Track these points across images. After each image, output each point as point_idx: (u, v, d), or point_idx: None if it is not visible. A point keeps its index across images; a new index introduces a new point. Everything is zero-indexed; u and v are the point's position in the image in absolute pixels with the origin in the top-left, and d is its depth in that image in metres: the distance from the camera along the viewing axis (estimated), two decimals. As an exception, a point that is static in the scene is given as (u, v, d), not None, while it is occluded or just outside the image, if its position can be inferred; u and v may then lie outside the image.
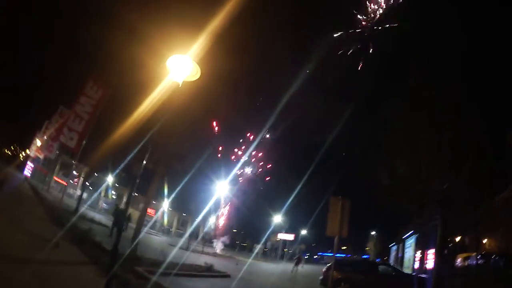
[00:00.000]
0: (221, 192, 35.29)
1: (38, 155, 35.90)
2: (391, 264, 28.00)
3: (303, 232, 51.07)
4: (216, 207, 36.95)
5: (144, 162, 6.06)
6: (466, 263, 22.40)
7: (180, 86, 5.90)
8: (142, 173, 6.13)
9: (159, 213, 41.41)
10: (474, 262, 20.94)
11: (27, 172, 36.39)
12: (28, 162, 37.93)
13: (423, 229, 26.05)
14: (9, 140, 56.28)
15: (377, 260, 38.93)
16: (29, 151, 39.61)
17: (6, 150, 59.71)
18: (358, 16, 48.59)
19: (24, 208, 13.88)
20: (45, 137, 31.79)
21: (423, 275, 16.54)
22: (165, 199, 35.11)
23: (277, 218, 46.24)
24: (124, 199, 39.04)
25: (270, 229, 46.81)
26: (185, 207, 42.00)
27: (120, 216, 16.11)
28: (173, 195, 27.97)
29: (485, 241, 26.29)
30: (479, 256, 21.07)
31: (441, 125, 12.86)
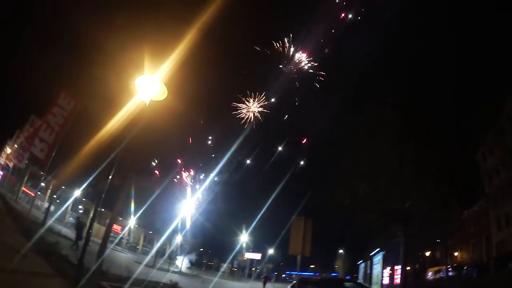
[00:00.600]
0: (187, 211, 35.16)
1: (8, 163, 34.56)
2: (358, 281, 28.58)
3: (270, 251, 51.27)
4: (183, 225, 36.72)
5: (110, 177, 6.30)
6: (437, 276, 23.28)
7: (147, 105, 6.26)
8: (109, 188, 6.35)
9: (126, 229, 40.34)
10: (445, 274, 21.76)
11: None
12: None
13: (388, 246, 26.99)
14: None
15: (347, 278, 39.46)
16: None
17: None
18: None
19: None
20: (15, 146, 30.80)
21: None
22: (132, 216, 34.43)
23: (244, 238, 46.53)
24: (91, 214, 37.91)
25: (237, 248, 46.86)
26: (152, 224, 41.23)
27: (82, 229, 16.22)
28: (139, 212, 27.59)
29: (456, 253, 27.45)
30: (450, 268, 21.97)
31: (400, 148, 13.76)
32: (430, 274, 24.41)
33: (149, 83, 6.23)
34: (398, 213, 13.49)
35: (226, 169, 48.23)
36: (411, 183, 13.37)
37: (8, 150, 33.70)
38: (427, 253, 29.25)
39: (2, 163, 35.60)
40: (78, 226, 16.75)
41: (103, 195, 6.60)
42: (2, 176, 36.50)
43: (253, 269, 53.41)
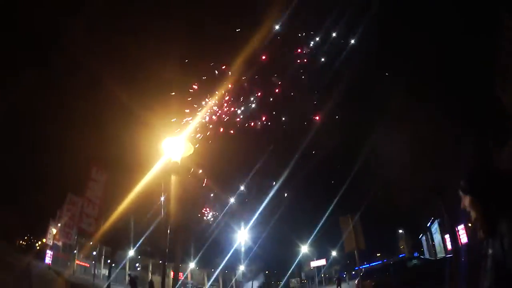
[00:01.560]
0: (242, 239, 35.97)
1: (57, 242, 36.67)
2: (422, 257, 27.97)
3: (333, 253, 50.80)
4: (242, 254, 37.48)
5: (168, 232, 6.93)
6: None
7: (178, 163, 6.94)
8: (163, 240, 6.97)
9: (188, 273, 41.49)
10: None
11: (48, 260, 37.15)
12: (47, 251, 38.73)
13: (441, 212, 26.46)
14: (21, 231, 57.38)
15: (415, 255, 38.59)
16: (46, 240, 40.35)
17: (21, 242, 60.51)
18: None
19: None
20: (59, 225, 32.72)
21: (449, 255, 16.92)
22: (192, 259, 35.62)
23: (305, 248, 46.65)
24: (150, 269, 39.46)
25: (301, 260, 47.12)
26: (212, 261, 42.22)
27: (135, 284, 18.37)
28: (198, 256, 28.58)
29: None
30: None
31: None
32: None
33: (175, 144, 6.91)
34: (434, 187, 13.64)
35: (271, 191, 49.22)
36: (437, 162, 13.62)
37: (54, 230, 35.78)
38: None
39: (50, 243, 37.81)
40: (131, 282, 18.22)
41: (167, 250, 7.15)
42: (53, 255, 38.59)
43: (322, 275, 52.95)
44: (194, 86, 42.94)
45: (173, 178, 7.20)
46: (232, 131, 45.62)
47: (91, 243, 36.66)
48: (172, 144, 6.97)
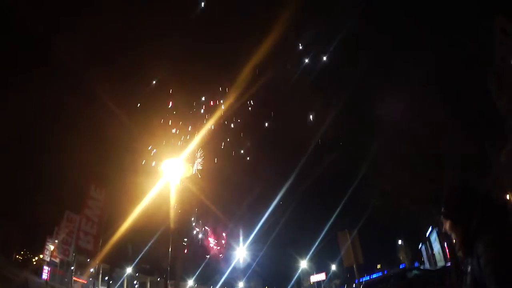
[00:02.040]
0: (241, 256, 35.91)
1: (54, 259, 36.37)
2: (422, 267, 27.91)
3: (333, 267, 50.43)
4: (241, 271, 37.33)
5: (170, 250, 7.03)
6: None
7: (178, 184, 7.10)
8: (162, 257, 7.12)
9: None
10: None
11: (45, 275, 36.76)
12: (45, 267, 38.39)
13: (439, 220, 26.46)
14: (18, 246, 56.97)
15: (415, 265, 38.45)
16: (43, 255, 40.03)
17: (17, 256, 59.83)
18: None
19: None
20: (56, 241, 32.58)
21: (448, 264, 17.01)
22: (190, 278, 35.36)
23: (304, 264, 46.39)
24: (148, 286, 39.11)
25: (300, 275, 46.84)
26: (211, 278, 41.83)
27: None
28: (196, 273, 28.46)
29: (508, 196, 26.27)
30: None
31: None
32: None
33: (175, 165, 7.08)
34: (428, 195, 13.85)
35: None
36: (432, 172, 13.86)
37: (51, 247, 35.50)
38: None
39: (48, 259, 37.45)
40: None
41: (169, 268, 7.27)
42: (50, 271, 38.23)
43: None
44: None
45: (173, 196, 7.40)
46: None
47: (88, 260, 36.31)
48: (172, 165, 7.15)
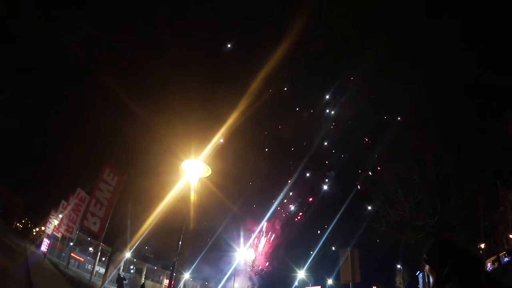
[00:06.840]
0: (241, 258, 36.35)
1: (56, 234, 37.00)
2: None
3: (330, 282, 50.42)
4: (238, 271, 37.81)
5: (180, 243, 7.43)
6: (496, 265, 22.94)
7: (195, 184, 7.51)
8: (165, 249, 7.53)
9: (181, 284, 41.65)
10: (505, 260, 22.17)
11: (44, 248, 37.37)
12: (45, 239, 39.04)
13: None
14: (20, 214, 58.20)
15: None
16: (45, 228, 40.71)
17: (18, 224, 60.85)
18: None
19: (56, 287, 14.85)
20: (60, 216, 33.10)
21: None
22: (186, 271, 35.85)
23: (301, 274, 46.91)
24: (143, 273, 39.64)
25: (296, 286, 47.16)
26: (207, 275, 42.30)
27: (122, 283, 20.45)
28: (192, 267, 28.99)
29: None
30: (505, 254, 22.44)
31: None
32: (489, 266, 23.62)
33: (194, 165, 7.49)
34: (432, 227, 13.98)
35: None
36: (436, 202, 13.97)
37: (55, 221, 36.23)
38: (482, 245, 28.12)
39: (49, 232, 38.22)
40: (118, 280, 20.66)
41: (176, 260, 7.65)
42: (50, 244, 38.99)
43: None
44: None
45: (193, 194, 7.83)
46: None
47: (89, 239, 37.05)
48: (192, 165, 7.57)
